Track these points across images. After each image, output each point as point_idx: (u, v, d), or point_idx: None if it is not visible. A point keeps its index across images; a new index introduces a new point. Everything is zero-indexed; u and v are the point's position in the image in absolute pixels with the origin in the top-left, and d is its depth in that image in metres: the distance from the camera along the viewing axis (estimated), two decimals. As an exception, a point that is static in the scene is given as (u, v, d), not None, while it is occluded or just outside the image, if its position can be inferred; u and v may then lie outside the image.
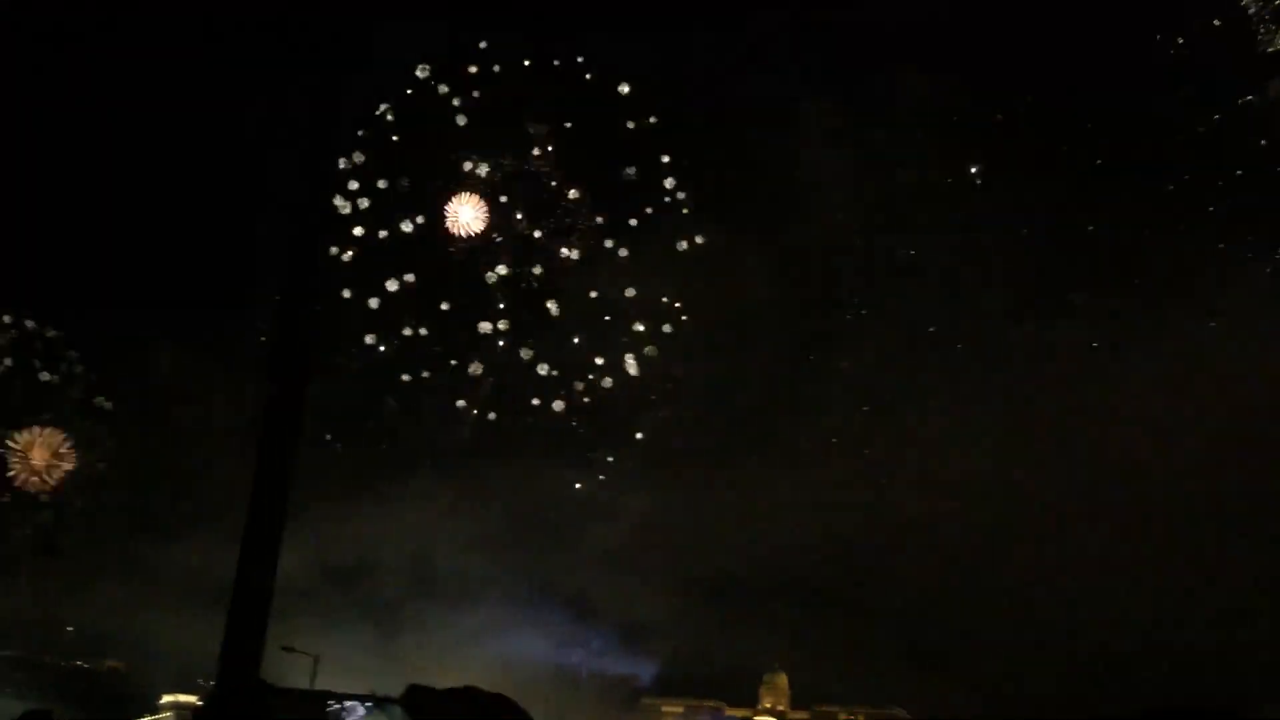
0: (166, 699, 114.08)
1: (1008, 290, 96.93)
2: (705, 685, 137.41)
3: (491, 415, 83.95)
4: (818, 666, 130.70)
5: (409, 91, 77.73)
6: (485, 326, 79.50)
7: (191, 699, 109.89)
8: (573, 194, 78.83)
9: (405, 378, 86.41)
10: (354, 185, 78.30)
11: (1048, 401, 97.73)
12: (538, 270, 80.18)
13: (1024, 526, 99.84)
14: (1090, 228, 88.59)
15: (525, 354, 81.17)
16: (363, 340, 78.51)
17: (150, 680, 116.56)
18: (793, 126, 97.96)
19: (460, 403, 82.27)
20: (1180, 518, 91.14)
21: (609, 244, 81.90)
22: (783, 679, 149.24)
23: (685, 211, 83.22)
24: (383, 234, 77.64)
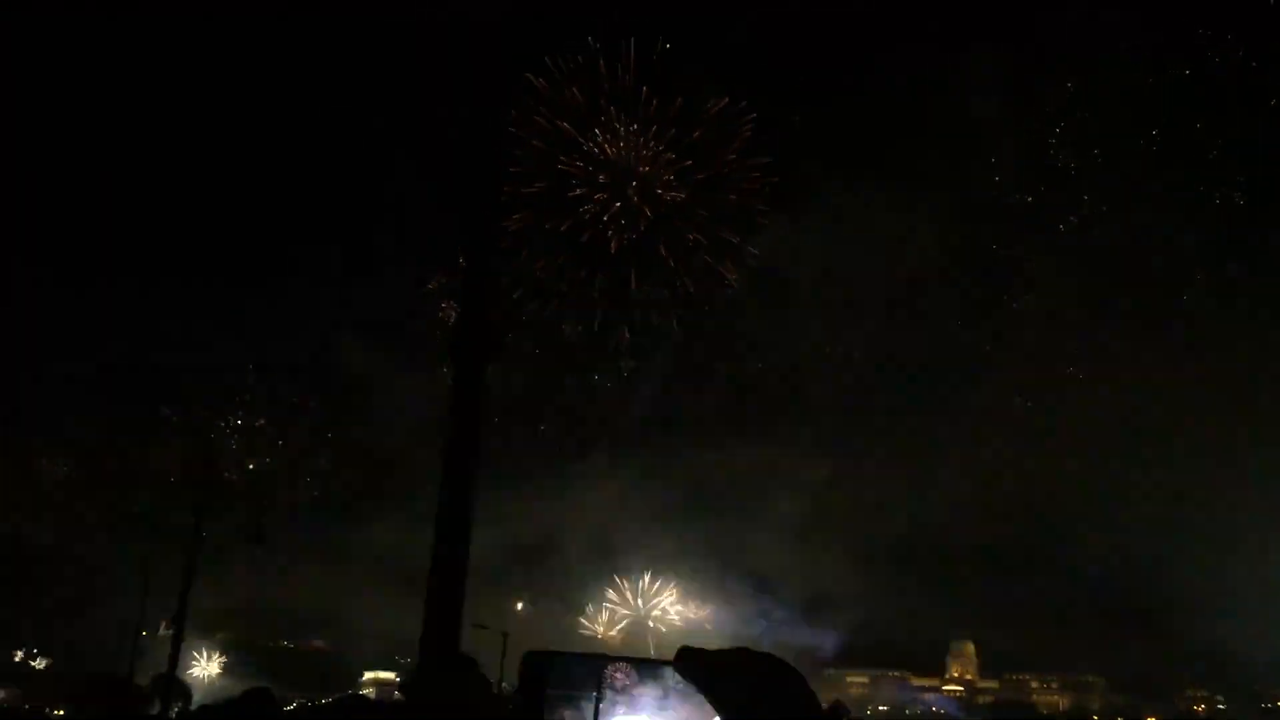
0: (368, 675, 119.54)
1: (1195, 240, 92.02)
2: (890, 655, 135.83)
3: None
4: (1007, 633, 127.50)
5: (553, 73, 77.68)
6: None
7: (390, 676, 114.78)
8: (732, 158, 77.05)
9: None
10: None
11: (1251, 351, 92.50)
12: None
13: (1235, 481, 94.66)
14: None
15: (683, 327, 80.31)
16: (541, 321, 79.19)
17: (352, 658, 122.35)
18: (956, 78, 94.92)
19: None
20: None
21: (762, 216, 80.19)
22: (970, 647, 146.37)
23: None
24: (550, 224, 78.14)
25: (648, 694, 4.32)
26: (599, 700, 4.24)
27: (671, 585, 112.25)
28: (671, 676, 4.20)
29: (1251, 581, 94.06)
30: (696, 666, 3.03)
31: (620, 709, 4.34)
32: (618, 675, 4.27)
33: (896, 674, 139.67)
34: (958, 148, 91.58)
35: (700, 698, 3.30)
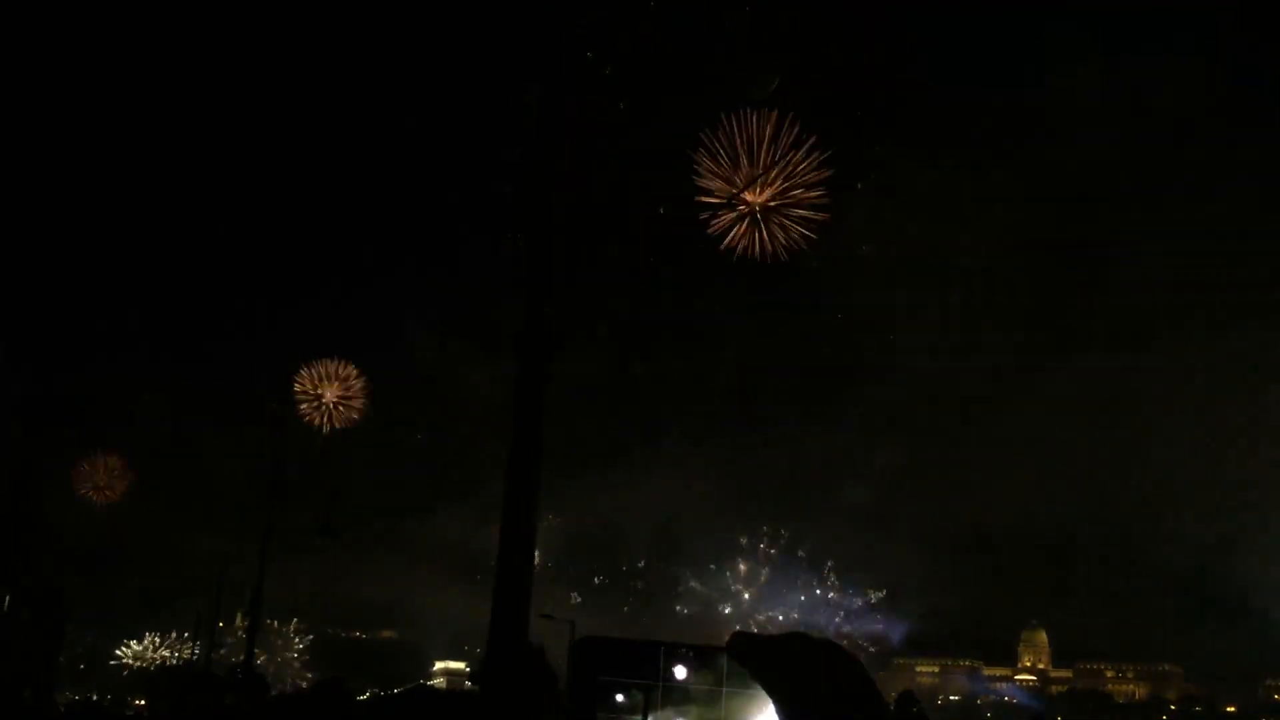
0: (438, 665, 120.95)
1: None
2: (960, 644, 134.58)
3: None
4: (1080, 622, 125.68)
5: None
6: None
7: (461, 665, 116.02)
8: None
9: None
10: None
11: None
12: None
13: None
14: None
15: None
16: (609, 308, 78.27)
17: (422, 648, 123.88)
18: (1042, 46, 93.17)
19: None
20: None
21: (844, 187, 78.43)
22: (1042, 636, 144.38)
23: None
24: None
25: (701, 681, 4.32)
26: (650, 688, 4.26)
27: (733, 572, 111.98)
28: (725, 663, 4.20)
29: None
30: (750, 653, 2.99)
31: (674, 696, 4.35)
32: (670, 662, 4.28)
33: (967, 663, 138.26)
34: (1038, 125, 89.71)
35: (755, 685, 3.28)
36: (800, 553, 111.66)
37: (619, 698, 3.87)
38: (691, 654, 4.00)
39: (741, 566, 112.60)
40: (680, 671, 3.89)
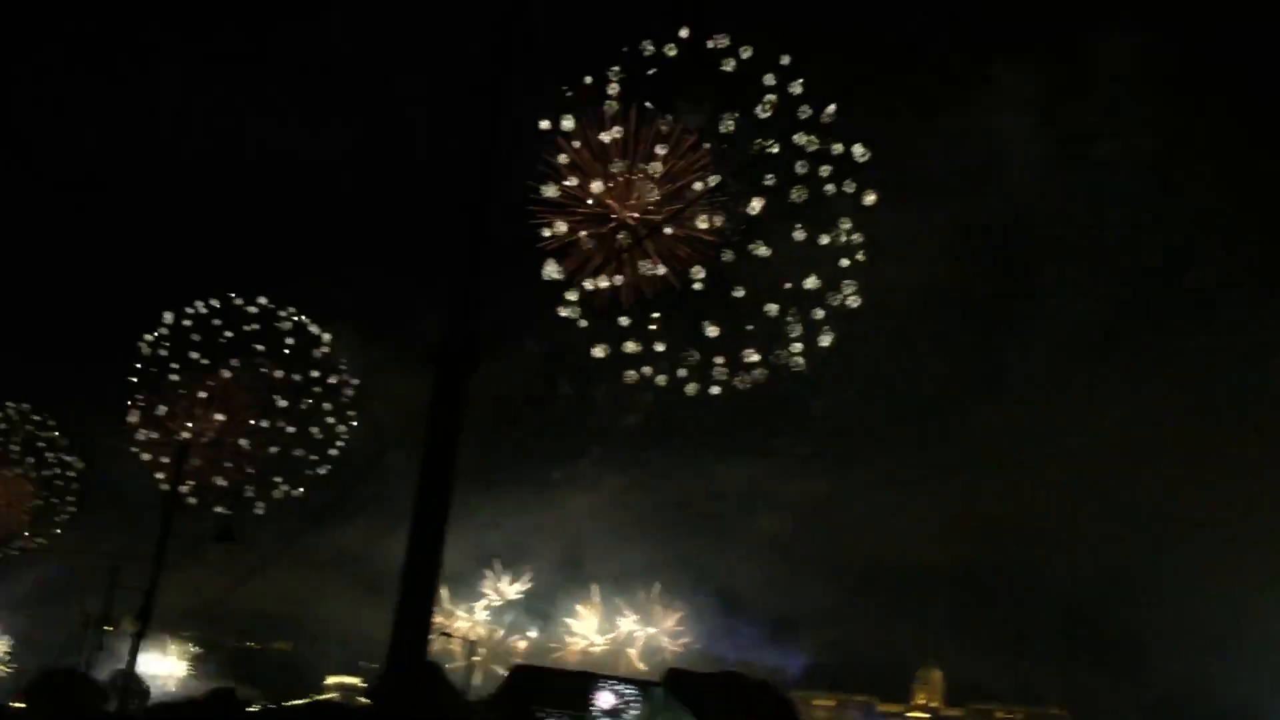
0: (331, 680, 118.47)
1: (1211, 268, 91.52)
2: (856, 680, 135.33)
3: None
4: (974, 662, 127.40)
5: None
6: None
7: (355, 680, 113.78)
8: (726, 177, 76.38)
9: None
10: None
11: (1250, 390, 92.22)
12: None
13: (1212, 517, 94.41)
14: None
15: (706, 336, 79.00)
16: (537, 325, 77.60)
17: (316, 662, 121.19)
18: (980, 95, 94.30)
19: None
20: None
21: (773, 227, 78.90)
22: (937, 674, 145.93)
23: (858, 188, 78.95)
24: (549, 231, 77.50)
25: (634, 713, 4.26)
26: (582, 718, 4.18)
27: (637, 600, 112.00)
28: (660, 697, 4.13)
29: (1225, 615, 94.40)
30: (687, 688, 2.93)
31: None
32: (605, 694, 4.20)
33: (862, 698, 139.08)
34: (973, 162, 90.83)
35: (688, 718, 3.22)
36: (707, 581, 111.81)
37: None
38: (626, 686, 3.91)
39: (645, 592, 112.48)
40: (610, 701, 3.81)
